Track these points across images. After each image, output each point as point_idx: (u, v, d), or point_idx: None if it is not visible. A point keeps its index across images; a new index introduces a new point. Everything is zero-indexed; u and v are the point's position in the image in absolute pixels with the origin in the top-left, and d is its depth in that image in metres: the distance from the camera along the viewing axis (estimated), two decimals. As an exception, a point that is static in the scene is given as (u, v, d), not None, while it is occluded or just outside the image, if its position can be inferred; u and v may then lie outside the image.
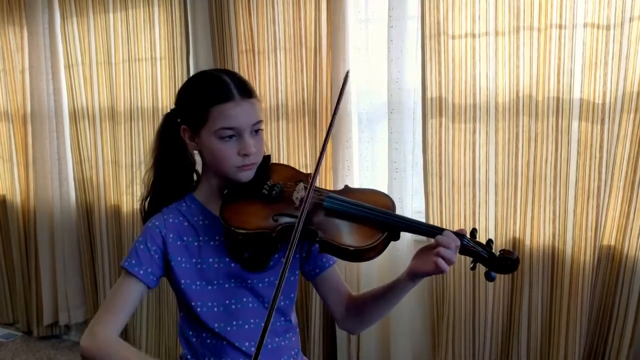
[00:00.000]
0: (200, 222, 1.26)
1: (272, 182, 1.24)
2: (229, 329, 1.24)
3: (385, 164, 2.26)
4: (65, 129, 3.17)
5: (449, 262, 1.07)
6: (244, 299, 1.25)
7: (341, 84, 1.27)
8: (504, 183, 2.01)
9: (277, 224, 1.14)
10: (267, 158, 1.28)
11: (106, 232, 3.05)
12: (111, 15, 2.83)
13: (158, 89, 2.75)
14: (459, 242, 1.09)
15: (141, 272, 1.19)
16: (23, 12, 3.14)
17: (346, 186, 1.29)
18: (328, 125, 1.16)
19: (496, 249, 1.13)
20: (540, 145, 1.93)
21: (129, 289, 1.20)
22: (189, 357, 1.28)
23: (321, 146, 2.33)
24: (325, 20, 2.27)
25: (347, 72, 1.32)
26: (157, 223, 1.24)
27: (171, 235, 1.23)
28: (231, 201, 1.21)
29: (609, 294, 1.93)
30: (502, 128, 1.99)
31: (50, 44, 3.11)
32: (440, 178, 2.09)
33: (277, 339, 1.28)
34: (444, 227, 1.20)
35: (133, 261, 1.20)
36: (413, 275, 1.15)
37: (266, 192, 1.22)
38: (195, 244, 1.24)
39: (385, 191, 1.36)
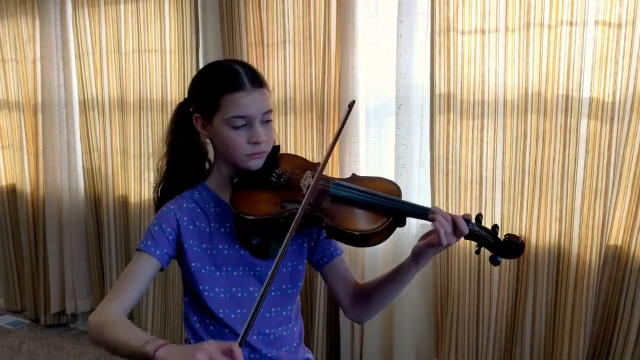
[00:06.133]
0: (212, 209, 1.28)
1: (281, 170, 1.26)
2: (232, 316, 1.25)
3: (392, 160, 2.25)
4: (75, 119, 3.19)
5: (447, 235, 1.09)
6: (250, 288, 1.26)
7: (347, 112, 1.33)
8: (511, 181, 2.01)
9: (285, 210, 1.17)
10: (276, 148, 1.31)
11: (114, 222, 3.08)
12: (122, 6, 2.85)
13: (167, 80, 2.76)
14: (461, 221, 1.11)
15: (157, 252, 1.22)
16: (35, 2, 3.16)
17: (353, 174, 1.32)
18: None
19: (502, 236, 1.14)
20: (548, 143, 1.92)
21: (143, 267, 1.21)
22: (192, 341, 1.30)
23: (329, 139, 2.33)
24: (334, 15, 2.27)
25: (353, 102, 1.37)
26: (172, 207, 1.27)
27: (185, 219, 1.26)
28: (241, 189, 1.24)
29: (614, 294, 1.92)
30: (510, 125, 1.98)
31: (61, 35, 3.13)
32: (447, 174, 2.09)
33: (279, 329, 1.29)
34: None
35: (149, 242, 1.22)
36: (415, 255, 1.17)
37: (274, 180, 1.24)
38: (207, 229, 1.27)
39: (392, 186, 1.37)
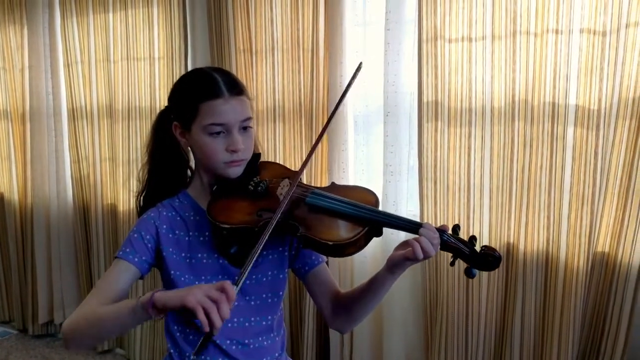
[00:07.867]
0: (192, 218, 1.28)
1: (259, 178, 1.25)
2: None
3: (381, 167, 2.25)
4: (63, 128, 3.18)
5: (425, 250, 1.08)
6: None
7: (354, 73, 1.33)
8: (499, 188, 2.01)
9: (260, 218, 1.16)
10: (257, 156, 1.30)
11: (102, 230, 3.06)
12: (111, 15, 2.84)
13: (156, 88, 2.76)
14: (437, 235, 1.10)
15: (135, 259, 1.20)
16: (24, 11, 3.15)
17: (332, 183, 1.31)
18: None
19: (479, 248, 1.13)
20: (535, 150, 1.93)
21: (120, 274, 1.20)
22: (172, 351, 1.29)
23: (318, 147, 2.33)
24: (322, 23, 2.27)
25: (360, 64, 1.35)
26: (151, 214, 1.26)
27: (164, 227, 1.25)
28: (218, 197, 1.23)
29: (602, 300, 1.93)
30: (497, 133, 1.99)
31: (50, 43, 3.13)
32: (435, 182, 2.09)
33: (260, 339, 1.28)
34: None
35: (127, 250, 1.21)
36: (391, 265, 1.16)
37: (252, 188, 1.23)
38: (186, 238, 1.26)
39: (380, 194, 1.37)
